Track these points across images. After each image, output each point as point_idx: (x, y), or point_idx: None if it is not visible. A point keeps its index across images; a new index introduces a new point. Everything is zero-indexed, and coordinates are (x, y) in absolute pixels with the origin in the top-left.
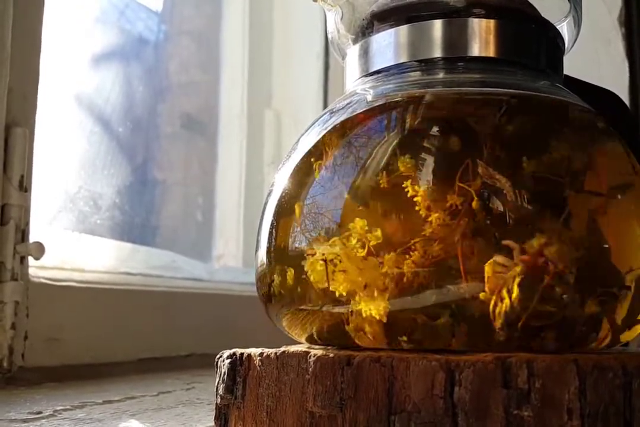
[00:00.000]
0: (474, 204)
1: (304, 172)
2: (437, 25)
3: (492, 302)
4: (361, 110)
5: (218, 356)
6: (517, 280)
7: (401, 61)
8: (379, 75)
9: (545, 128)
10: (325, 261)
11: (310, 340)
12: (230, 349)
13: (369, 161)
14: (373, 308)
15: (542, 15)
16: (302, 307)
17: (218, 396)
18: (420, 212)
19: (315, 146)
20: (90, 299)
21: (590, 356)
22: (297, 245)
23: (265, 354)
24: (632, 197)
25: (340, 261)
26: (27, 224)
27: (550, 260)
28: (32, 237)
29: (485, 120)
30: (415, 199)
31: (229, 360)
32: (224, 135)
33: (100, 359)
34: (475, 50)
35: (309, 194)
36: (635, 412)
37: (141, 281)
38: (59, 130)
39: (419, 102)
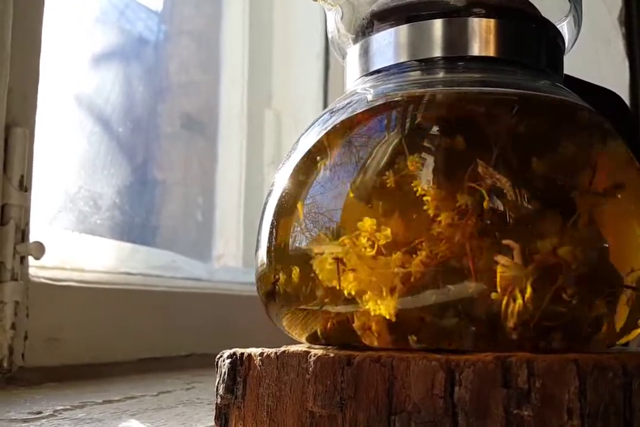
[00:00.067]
0: (485, 203)
1: (304, 172)
2: (437, 25)
3: (504, 302)
4: (361, 110)
5: (218, 356)
6: (531, 280)
7: (401, 61)
8: (379, 74)
9: (555, 128)
10: (337, 259)
11: (312, 339)
12: (231, 349)
13: (369, 161)
14: (382, 307)
15: (543, 14)
16: (307, 306)
17: (218, 395)
18: (429, 211)
19: (316, 146)
20: (90, 299)
21: (590, 355)
22: (300, 244)
23: (265, 354)
24: (635, 197)
25: (350, 260)
26: (27, 224)
27: (563, 260)
28: (32, 237)
29: (496, 120)
30: (424, 198)
31: (229, 360)
32: (224, 135)
33: (100, 359)
34: (476, 49)
35: (309, 194)
36: (635, 412)
37: (141, 280)
38: (59, 130)
39: (419, 102)
